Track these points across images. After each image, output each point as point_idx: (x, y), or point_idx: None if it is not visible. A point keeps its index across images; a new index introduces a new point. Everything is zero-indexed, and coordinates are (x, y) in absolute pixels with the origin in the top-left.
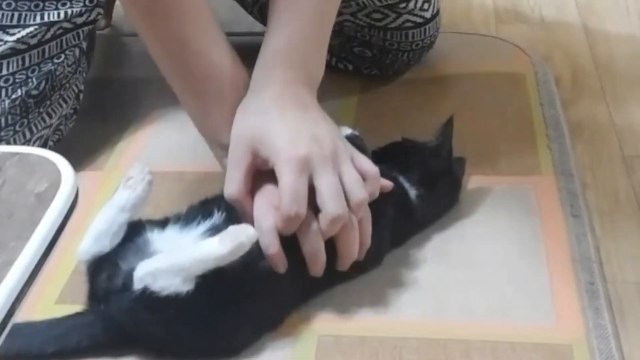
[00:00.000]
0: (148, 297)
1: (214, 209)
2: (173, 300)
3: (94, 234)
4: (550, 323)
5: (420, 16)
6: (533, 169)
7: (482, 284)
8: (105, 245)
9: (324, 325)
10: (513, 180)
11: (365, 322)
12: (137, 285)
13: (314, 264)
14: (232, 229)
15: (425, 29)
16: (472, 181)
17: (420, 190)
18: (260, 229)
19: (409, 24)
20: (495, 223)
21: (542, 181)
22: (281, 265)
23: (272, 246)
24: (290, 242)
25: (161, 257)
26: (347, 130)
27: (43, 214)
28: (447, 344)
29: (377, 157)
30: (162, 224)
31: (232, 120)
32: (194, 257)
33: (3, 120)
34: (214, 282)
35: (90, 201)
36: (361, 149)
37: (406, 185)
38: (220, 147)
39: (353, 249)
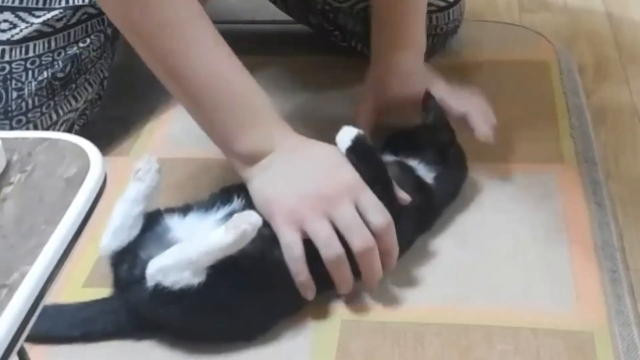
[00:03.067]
0: (161, 291)
1: (233, 195)
2: (186, 292)
3: (112, 229)
4: (572, 310)
5: None
6: (556, 157)
7: (504, 270)
8: (124, 238)
9: (347, 310)
10: (536, 168)
11: (387, 307)
12: (150, 282)
13: (344, 288)
14: (236, 217)
15: (448, 13)
16: (495, 169)
17: (436, 171)
18: (290, 258)
19: (432, 8)
20: (518, 211)
21: (564, 169)
22: (310, 291)
23: (300, 274)
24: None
25: (170, 253)
26: (353, 132)
27: (72, 198)
28: (468, 330)
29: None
30: (184, 210)
31: (240, 127)
32: (201, 250)
33: (30, 101)
34: (227, 270)
35: (116, 187)
36: (368, 150)
37: (422, 171)
38: (234, 156)
39: (375, 274)
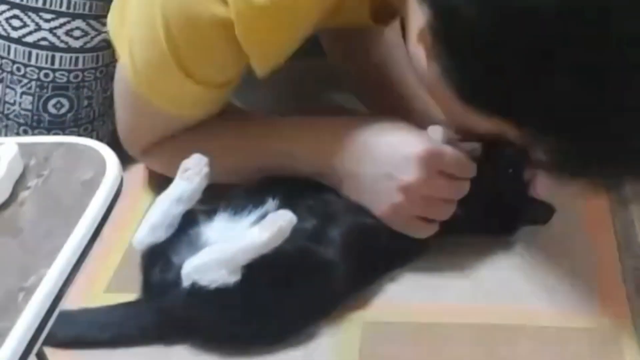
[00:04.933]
0: (198, 291)
1: (267, 196)
2: (222, 292)
3: (150, 224)
4: (597, 308)
5: None
6: None
7: (527, 269)
8: (160, 236)
9: (369, 312)
10: None
11: (410, 308)
12: (186, 282)
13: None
14: (271, 215)
15: None
16: None
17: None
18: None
19: None
20: None
21: None
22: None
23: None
24: (354, 237)
25: (206, 252)
26: (440, 135)
27: (89, 201)
28: (492, 329)
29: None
30: (217, 213)
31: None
32: (237, 249)
33: (97, 109)
34: (263, 270)
35: (133, 191)
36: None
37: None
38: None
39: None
